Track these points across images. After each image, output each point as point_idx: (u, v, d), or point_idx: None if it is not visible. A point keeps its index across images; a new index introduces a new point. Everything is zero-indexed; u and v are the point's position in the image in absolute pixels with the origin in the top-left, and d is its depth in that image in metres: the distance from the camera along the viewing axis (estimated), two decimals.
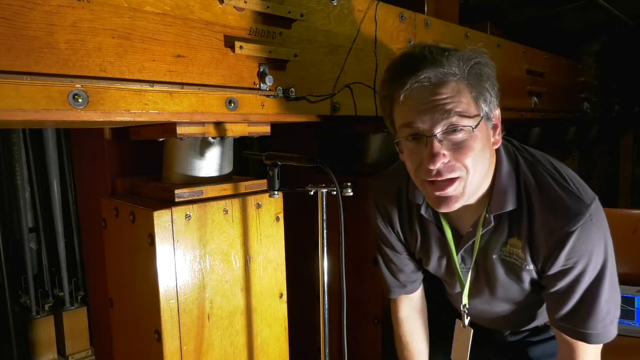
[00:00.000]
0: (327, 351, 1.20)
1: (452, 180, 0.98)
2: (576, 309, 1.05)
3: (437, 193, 0.99)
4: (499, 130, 1.05)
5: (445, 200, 1.00)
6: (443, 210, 1.02)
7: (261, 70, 1.23)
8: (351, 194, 1.15)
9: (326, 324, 1.20)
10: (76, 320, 2.57)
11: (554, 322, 1.10)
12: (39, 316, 2.50)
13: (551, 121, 3.00)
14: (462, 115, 0.95)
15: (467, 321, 1.25)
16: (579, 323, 1.05)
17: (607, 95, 3.84)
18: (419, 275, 1.35)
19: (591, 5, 3.13)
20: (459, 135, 0.96)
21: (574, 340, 1.08)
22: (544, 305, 1.20)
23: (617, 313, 1.06)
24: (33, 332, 2.48)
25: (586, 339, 1.05)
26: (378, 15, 1.56)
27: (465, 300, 1.21)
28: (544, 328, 1.32)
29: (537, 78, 2.67)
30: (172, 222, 1.17)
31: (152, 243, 1.15)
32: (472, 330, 1.25)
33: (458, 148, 0.96)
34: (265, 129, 1.35)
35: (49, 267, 2.57)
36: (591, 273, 1.02)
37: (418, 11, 1.78)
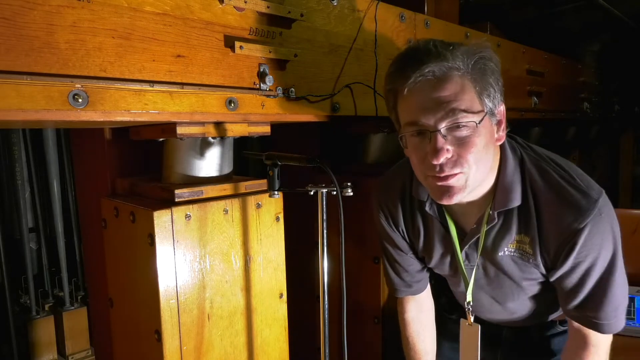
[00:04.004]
0: (327, 351, 1.20)
1: (455, 174, 0.98)
2: (588, 300, 1.06)
3: (440, 183, 1.00)
4: (503, 126, 1.05)
5: (448, 191, 1.00)
6: (445, 202, 1.02)
7: (261, 70, 1.23)
8: (351, 194, 1.15)
9: (326, 324, 1.20)
10: (76, 320, 2.58)
11: (566, 311, 1.12)
12: (39, 316, 2.50)
13: (551, 121, 3.00)
14: (466, 111, 0.95)
15: (472, 318, 1.25)
16: (591, 313, 1.07)
17: (607, 95, 3.84)
18: (425, 275, 1.35)
19: (591, 5, 3.13)
20: (463, 132, 0.96)
21: (588, 330, 1.09)
22: (550, 302, 1.21)
23: (626, 302, 1.08)
24: (33, 332, 2.48)
25: (599, 328, 1.07)
26: (378, 15, 1.56)
27: (469, 297, 1.22)
28: (551, 324, 1.32)
29: (537, 78, 2.67)
30: (172, 222, 1.17)
31: (152, 243, 1.15)
32: (479, 327, 1.25)
33: (461, 144, 0.96)
34: (265, 129, 1.35)
35: (49, 267, 2.57)
36: (601, 265, 1.03)
37: (418, 11, 1.78)
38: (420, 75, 0.95)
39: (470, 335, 1.27)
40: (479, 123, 0.96)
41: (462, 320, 1.30)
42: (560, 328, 1.31)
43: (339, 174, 1.36)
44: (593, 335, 1.10)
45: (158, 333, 1.17)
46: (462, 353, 1.31)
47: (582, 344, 1.12)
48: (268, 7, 1.22)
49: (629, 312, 1.94)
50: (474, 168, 0.99)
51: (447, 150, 0.96)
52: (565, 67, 3.07)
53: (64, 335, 2.54)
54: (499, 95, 1.01)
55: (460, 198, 1.02)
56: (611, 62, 3.87)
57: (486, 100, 0.98)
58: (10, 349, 2.38)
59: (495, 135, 1.03)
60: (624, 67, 3.97)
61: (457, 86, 0.95)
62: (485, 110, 0.98)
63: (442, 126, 0.95)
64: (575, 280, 1.06)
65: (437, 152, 0.95)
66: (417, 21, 1.76)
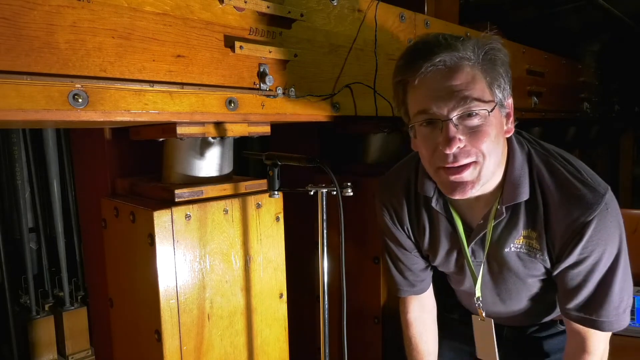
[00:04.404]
0: (327, 351, 1.20)
1: (467, 165, 0.98)
2: (590, 298, 1.05)
3: (452, 177, 0.99)
4: (512, 119, 1.05)
5: (461, 185, 0.99)
6: (458, 196, 1.01)
7: (261, 70, 1.23)
8: (351, 194, 1.15)
9: (326, 324, 1.20)
10: (76, 320, 2.58)
11: (566, 312, 1.10)
12: (39, 316, 2.51)
13: (551, 121, 3.00)
14: (478, 100, 0.95)
15: (484, 313, 1.25)
16: (592, 312, 1.06)
17: (607, 95, 3.84)
18: (428, 274, 1.34)
19: (591, 5, 3.13)
20: (475, 120, 0.96)
21: (586, 329, 1.08)
22: (552, 300, 1.21)
23: (630, 301, 1.07)
24: (33, 332, 2.49)
25: (599, 326, 1.06)
26: (378, 15, 1.56)
27: (478, 292, 1.21)
28: (551, 323, 1.32)
29: (537, 78, 2.67)
30: (172, 222, 1.17)
31: (152, 243, 1.15)
32: (492, 320, 1.25)
33: (473, 132, 0.96)
34: (265, 129, 1.35)
35: (49, 267, 2.57)
36: (606, 261, 1.03)
37: (418, 11, 1.78)
38: (431, 65, 0.94)
39: (485, 330, 1.27)
40: (491, 112, 0.96)
41: (473, 316, 1.29)
42: (560, 327, 1.31)
43: (339, 174, 1.36)
44: (591, 337, 1.09)
45: (158, 333, 1.17)
46: (479, 348, 1.30)
47: (579, 351, 1.11)
48: (268, 7, 1.22)
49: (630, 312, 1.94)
50: (487, 159, 0.98)
51: (460, 139, 0.95)
52: (565, 67, 3.07)
53: (64, 335, 2.54)
54: (508, 87, 1.01)
55: (474, 192, 1.01)
56: (611, 62, 3.87)
57: (496, 91, 0.98)
58: (10, 349, 2.39)
59: (505, 127, 1.03)
60: (624, 67, 3.97)
61: (468, 76, 0.95)
62: (496, 101, 0.98)
63: (454, 115, 0.95)
64: (579, 277, 1.05)
65: (449, 141, 0.95)
66: (417, 21, 1.76)
